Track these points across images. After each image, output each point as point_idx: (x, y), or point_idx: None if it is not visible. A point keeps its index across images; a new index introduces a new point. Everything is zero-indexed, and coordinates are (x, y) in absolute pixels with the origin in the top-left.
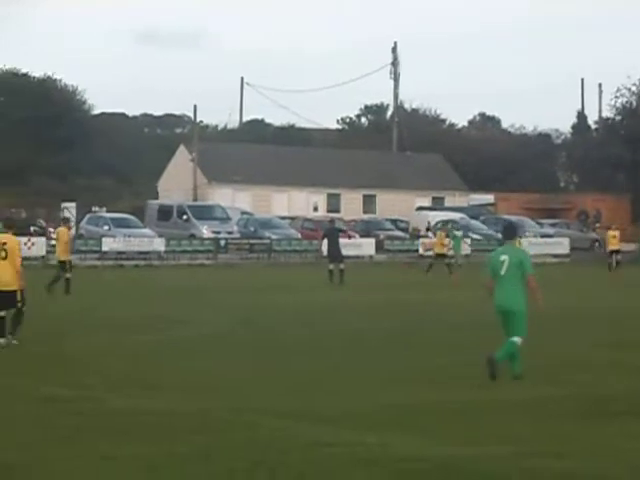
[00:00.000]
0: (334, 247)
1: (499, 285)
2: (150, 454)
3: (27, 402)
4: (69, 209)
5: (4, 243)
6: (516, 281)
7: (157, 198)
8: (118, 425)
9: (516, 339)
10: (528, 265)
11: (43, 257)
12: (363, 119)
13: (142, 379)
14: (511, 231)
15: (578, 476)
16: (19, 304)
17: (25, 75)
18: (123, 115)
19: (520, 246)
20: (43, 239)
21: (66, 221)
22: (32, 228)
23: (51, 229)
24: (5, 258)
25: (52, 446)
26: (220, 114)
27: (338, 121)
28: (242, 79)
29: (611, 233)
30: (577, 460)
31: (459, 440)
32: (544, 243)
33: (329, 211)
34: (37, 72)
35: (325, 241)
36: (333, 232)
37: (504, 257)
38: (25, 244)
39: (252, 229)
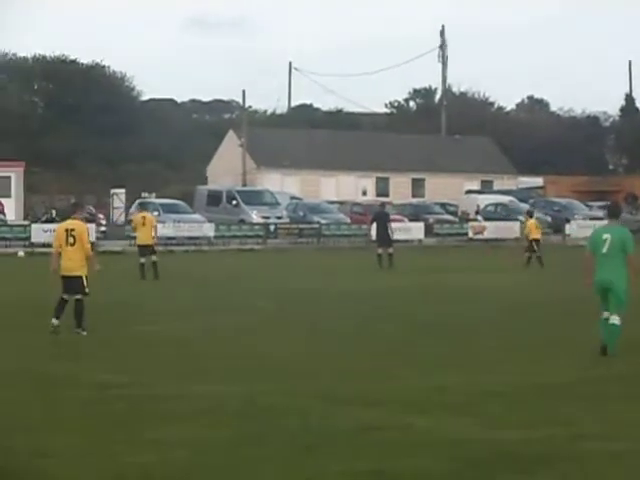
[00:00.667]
0: (383, 231)
1: (600, 263)
2: (200, 439)
3: (80, 388)
4: (118, 195)
5: (72, 229)
6: (617, 259)
7: (206, 183)
8: (168, 410)
9: (616, 321)
10: (630, 245)
11: (93, 243)
12: (411, 103)
13: (192, 364)
14: (615, 210)
15: (628, 458)
16: (86, 290)
17: (73, 62)
18: (172, 101)
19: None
20: (92, 225)
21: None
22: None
23: (101, 215)
24: (73, 244)
25: (103, 431)
26: (268, 99)
27: (386, 105)
28: (290, 64)
29: None
30: (627, 442)
31: (509, 423)
32: (593, 226)
33: (378, 195)
34: (85, 59)
35: (374, 225)
36: (382, 216)
37: (606, 235)
38: None
39: (301, 214)
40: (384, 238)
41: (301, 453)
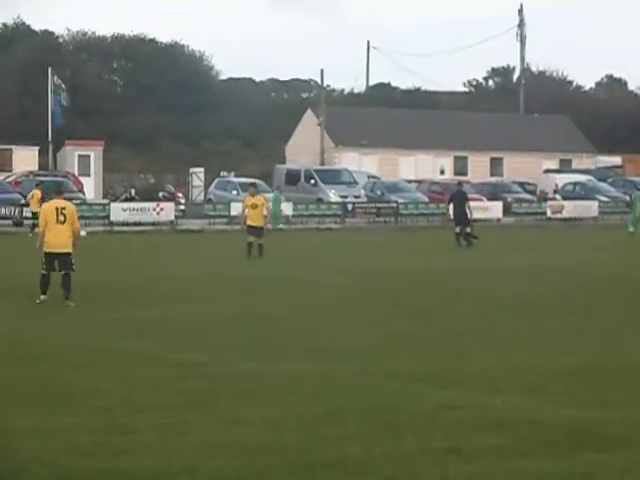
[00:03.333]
0: (461, 210)
1: None
2: (278, 416)
3: (158, 366)
4: (197, 174)
5: (63, 208)
6: None
7: (284, 162)
8: (246, 388)
9: None
10: None
11: (172, 222)
12: (490, 82)
13: (270, 342)
14: None
15: None
16: (73, 266)
17: (152, 41)
18: (250, 80)
19: None
20: (172, 204)
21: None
22: (161, 194)
23: (179, 194)
24: (64, 222)
25: (181, 409)
26: (346, 78)
27: (464, 84)
28: (368, 43)
29: None
30: None
31: (586, 403)
32: None
33: (456, 174)
34: (164, 38)
35: (452, 204)
36: (460, 195)
37: None
38: (154, 209)
39: (379, 193)
40: (462, 217)
41: (378, 431)
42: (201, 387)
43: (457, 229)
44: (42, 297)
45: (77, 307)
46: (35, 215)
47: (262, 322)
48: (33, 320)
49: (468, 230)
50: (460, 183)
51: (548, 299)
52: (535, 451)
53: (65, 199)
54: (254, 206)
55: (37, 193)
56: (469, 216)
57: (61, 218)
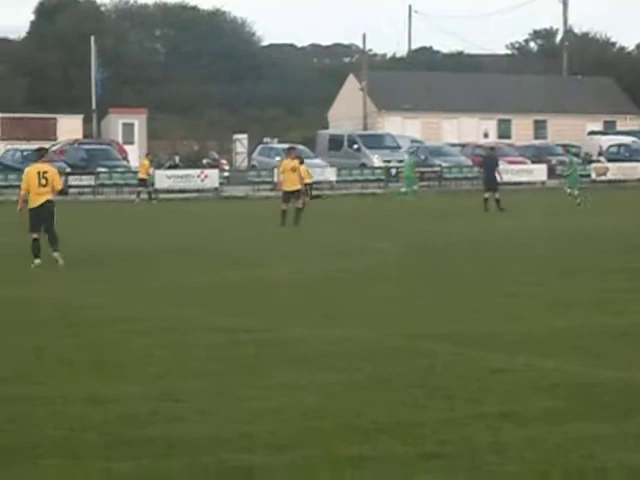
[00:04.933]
0: (491, 176)
1: None
2: (330, 382)
3: (209, 333)
4: (241, 141)
5: (45, 172)
6: None
7: (327, 128)
8: (298, 354)
9: None
10: None
11: (216, 189)
12: (532, 44)
13: (318, 308)
14: None
15: None
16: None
17: (194, 8)
18: (292, 46)
19: None
20: (216, 171)
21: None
22: (205, 161)
23: (224, 161)
24: (45, 185)
25: (233, 375)
26: (388, 43)
27: (507, 46)
28: (410, 7)
29: None
30: None
31: (638, 364)
32: None
33: (500, 137)
34: (206, 5)
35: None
36: (491, 160)
37: None
38: (198, 176)
39: (422, 157)
40: (492, 182)
41: (429, 396)
42: (253, 353)
43: (486, 194)
44: (36, 261)
45: (125, 274)
46: (142, 181)
47: (310, 287)
48: (82, 287)
49: (497, 196)
50: (492, 148)
51: (594, 260)
52: (588, 414)
53: (46, 162)
54: (293, 169)
55: (146, 162)
56: (498, 181)
57: (43, 182)
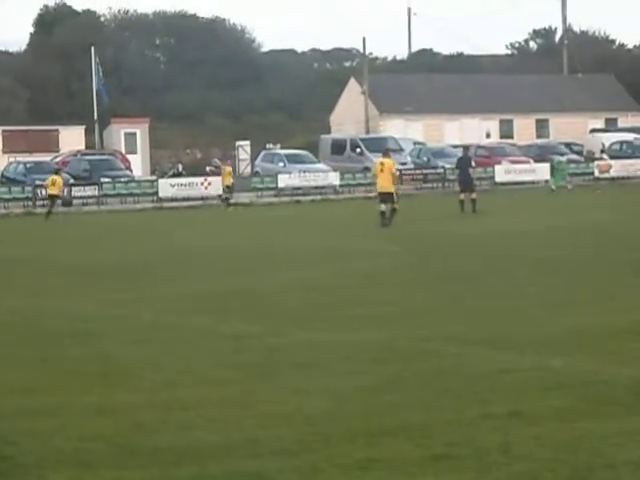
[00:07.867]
0: (466, 176)
1: None
2: (338, 385)
3: (215, 339)
4: (243, 147)
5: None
6: None
7: (329, 132)
8: (305, 358)
9: None
10: None
11: (220, 196)
12: (532, 43)
13: (326, 311)
14: None
15: None
16: None
17: (193, 16)
18: (292, 51)
19: None
20: (219, 179)
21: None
22: (208, 168)
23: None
24: None
25: (241, 381)
26: (389, 46)
27: (507, 46)
28: (409, 9)
29: None
30: None
31: None
32: None
33: (502, 137)
34: (205, 13)
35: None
36: (465, 161)
37: None
38: (202, 184)
39: (425, 159)
40: (466, 183)
41: (438, 397)
42: (260, 358)
43: (461, 196)
44: None
45: (131, 283)
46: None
47: (317, 291)
48: (89, 297)
49: (474, 196)
50: (467, 148)
51: (596, 258)
52: (596, 411)
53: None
54: (381, 169)
55: (229, 169)
56: (473, 182)
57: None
